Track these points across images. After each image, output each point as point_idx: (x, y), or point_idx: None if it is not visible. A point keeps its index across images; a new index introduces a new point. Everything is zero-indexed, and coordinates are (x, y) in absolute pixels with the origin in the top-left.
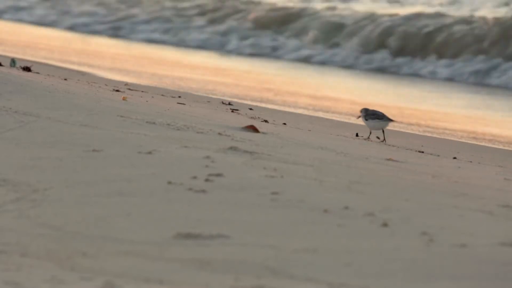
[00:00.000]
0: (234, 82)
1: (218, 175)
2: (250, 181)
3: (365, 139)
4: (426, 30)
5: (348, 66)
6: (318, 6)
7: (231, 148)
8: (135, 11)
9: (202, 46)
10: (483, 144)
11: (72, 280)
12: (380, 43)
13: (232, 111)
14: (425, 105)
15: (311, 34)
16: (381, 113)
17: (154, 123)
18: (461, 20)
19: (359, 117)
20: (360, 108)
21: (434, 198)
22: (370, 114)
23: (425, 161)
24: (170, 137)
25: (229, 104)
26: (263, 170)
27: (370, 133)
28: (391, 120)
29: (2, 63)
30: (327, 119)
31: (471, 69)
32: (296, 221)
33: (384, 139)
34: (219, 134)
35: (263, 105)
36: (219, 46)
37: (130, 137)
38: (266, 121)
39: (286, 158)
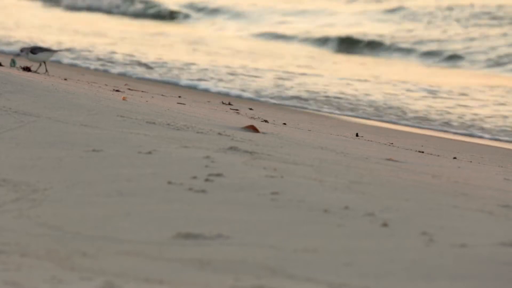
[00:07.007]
0: None
1: (218, 175)
2: (250, 181)
3: (35, 72)
4: None
5: None
6: None
7: (231, 148)
8: None
9: None
10: (483, 144)
11: (72, 280)
12: None
13: (236, 111)
14: None
15: None
16: (44, 46)
17: (154, 123)
18: None
19: (18, 55)
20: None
21: (434, 198)
22: (36, 49)
23: (425, 161)
24: (170, 137)
25: (229, 104)
26: (263, 170)
27: (40, 66)
28: (56, 51)
29: (2, 63)
30: (327, 119)
31: None
32: (296, 221)
33: (46, 70)
34: (219, 134)
35: None
36: None
37: (130, 137)
38: (266, 121)
39: (286, 158)
